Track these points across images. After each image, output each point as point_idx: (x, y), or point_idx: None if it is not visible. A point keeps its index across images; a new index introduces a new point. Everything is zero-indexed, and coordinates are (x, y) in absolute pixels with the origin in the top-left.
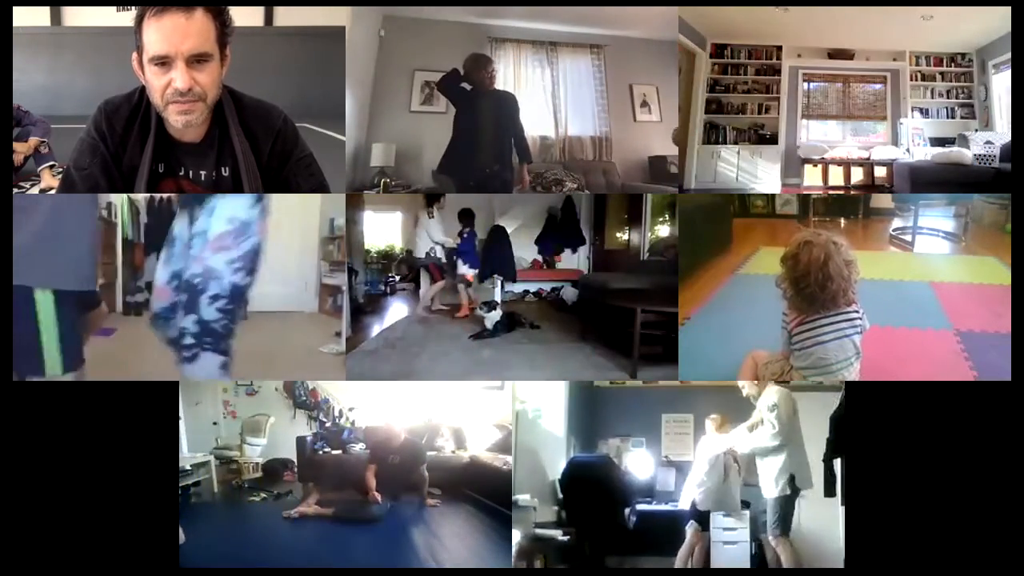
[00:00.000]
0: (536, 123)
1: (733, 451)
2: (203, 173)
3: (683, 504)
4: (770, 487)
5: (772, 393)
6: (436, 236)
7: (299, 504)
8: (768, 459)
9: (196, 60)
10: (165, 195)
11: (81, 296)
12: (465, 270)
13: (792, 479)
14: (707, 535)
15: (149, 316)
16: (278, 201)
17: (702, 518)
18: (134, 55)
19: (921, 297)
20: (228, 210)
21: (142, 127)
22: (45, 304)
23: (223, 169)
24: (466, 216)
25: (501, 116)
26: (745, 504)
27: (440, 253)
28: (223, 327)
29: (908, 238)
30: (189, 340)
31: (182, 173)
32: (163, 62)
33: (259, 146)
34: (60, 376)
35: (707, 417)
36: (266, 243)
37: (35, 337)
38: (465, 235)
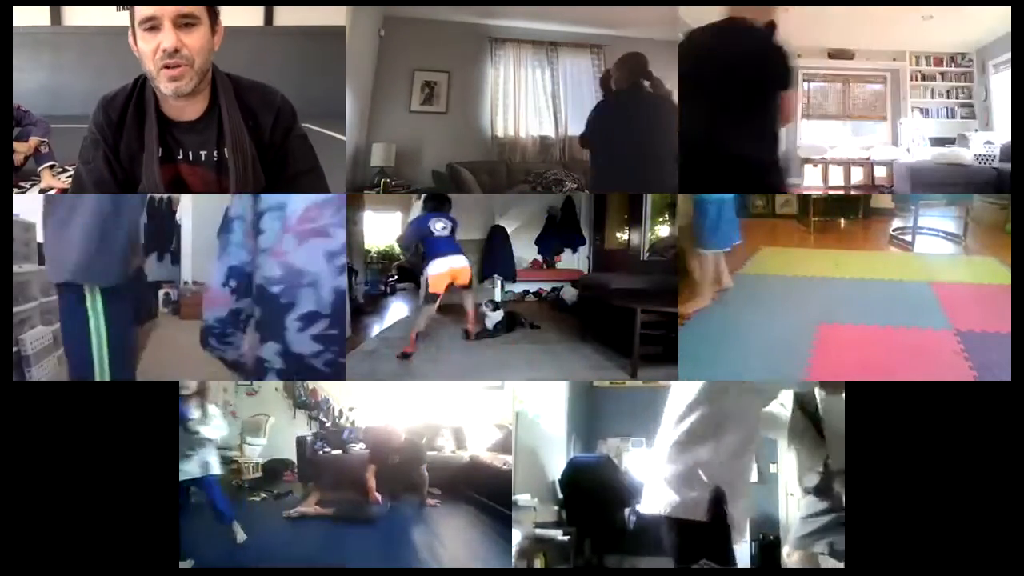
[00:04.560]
0: (536, 123)
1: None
2: (203, 153)
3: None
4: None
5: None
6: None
7: (299, 504)
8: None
9: (184, 23)
10: (165, 195)
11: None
12: (448, 263)
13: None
14: None
15: (200, 332)
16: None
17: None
18: (129, 33)
19: (921, 297)
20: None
21: (137, 112)
22: (94, 303)
23: (225, 150)
24: (436, 200)
25: None
26: None
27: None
28: (326, 364)
29: (908, 238)
30: (271, 376)
31: (180, 156)
32: (152, 26)
33: (260, 121)
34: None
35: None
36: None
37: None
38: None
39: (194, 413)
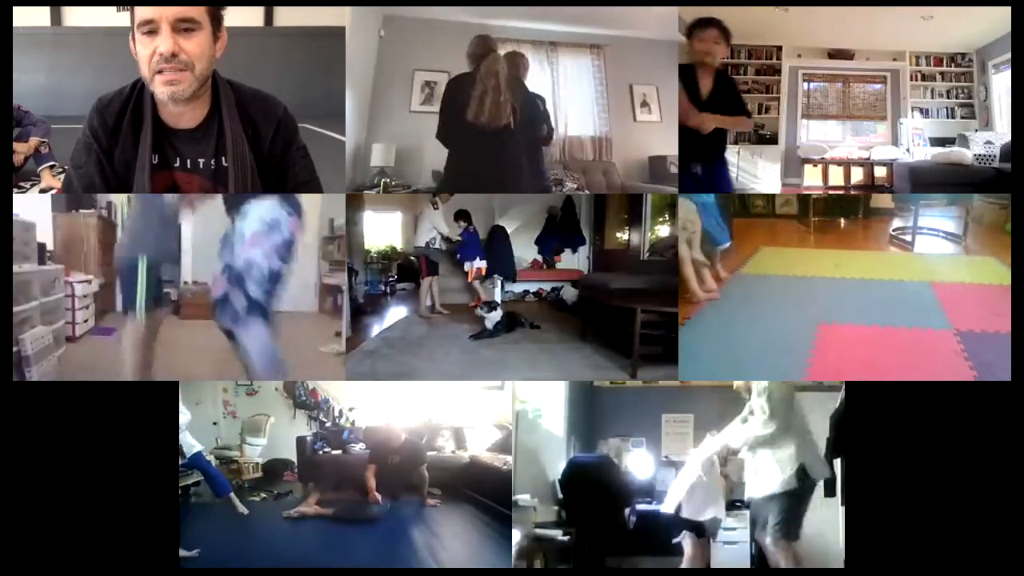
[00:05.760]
0: None
1: (726, 448)
2: (201, 161)
3: (667, 508)
4: (772, 481)
5: (762, 384)
6: (441, 226)
7: (299, 504)
8: (766, 450)
9: (183, 27)
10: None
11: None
12: (475, 264)
13: (802, 470)
14: (705, 542)
15: (210, 304)
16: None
17: (694, 526)
18: (130, 36)
19: (921, 297)
20: (258, 212)
21: (134, 118)
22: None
23: (223, 159)
24: (462, 215)
25: None
26: (744, 504)
27: (439, 243)
28: (265, 302)
29: (908, 238)
30: (242, 313)
31: (177, 164)
32: (150, 29)
33: (260, 133)
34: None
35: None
36: (299, 235)
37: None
38: (466, 233)
39: None
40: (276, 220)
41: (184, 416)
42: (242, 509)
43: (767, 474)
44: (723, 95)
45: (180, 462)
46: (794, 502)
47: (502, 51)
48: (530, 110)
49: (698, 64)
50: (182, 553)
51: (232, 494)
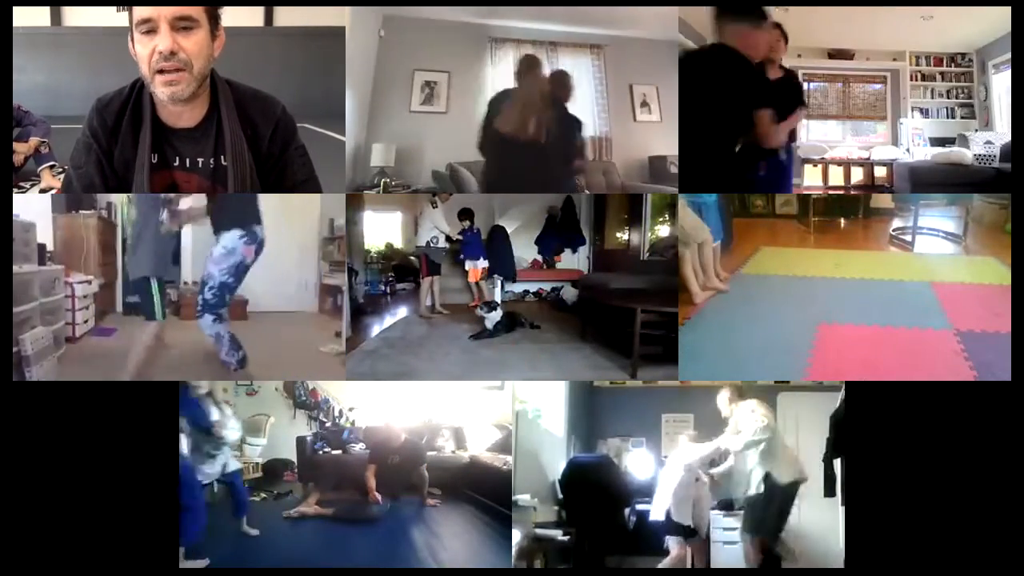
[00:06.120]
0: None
1: (721, 450)
2: (200, 160)
3: (656, 515)
4: (743, 486)
5: (750, 403)
6: (441, 224)
7: (299, 504)
8: (744, 457)
9: (181, 26)
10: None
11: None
12: (475, 264)
13: (768, 477)
14: (694, 543)
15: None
16: (279, 201)
17: (681, 530)
18: (128, 37)
19: (921, 297)
20: (224, 241)
21: (134, 117)
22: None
23: (222, 158)
24: (466, 214)
25: None
26: (740, 506)
27: (442, 243)
28: (215, 303)
29: (908, 238)
30: (198, 308)
31: (176, 163)
32: (148, 28)
33: (259, 132)
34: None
35: (683, 433)
36: (250, 259)
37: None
38: (468, 232)
39: (215, 415)
40: (233, 248)
41: (235, 433)
42: (253, 532)
43: (739, 480)
44: (788, 85)
45: (219, 476)
46: (763, 505)
47: (547, 70)
48: (566, 137)
49: (766, 61)
50: (191, 564)
51: (245, 519)
